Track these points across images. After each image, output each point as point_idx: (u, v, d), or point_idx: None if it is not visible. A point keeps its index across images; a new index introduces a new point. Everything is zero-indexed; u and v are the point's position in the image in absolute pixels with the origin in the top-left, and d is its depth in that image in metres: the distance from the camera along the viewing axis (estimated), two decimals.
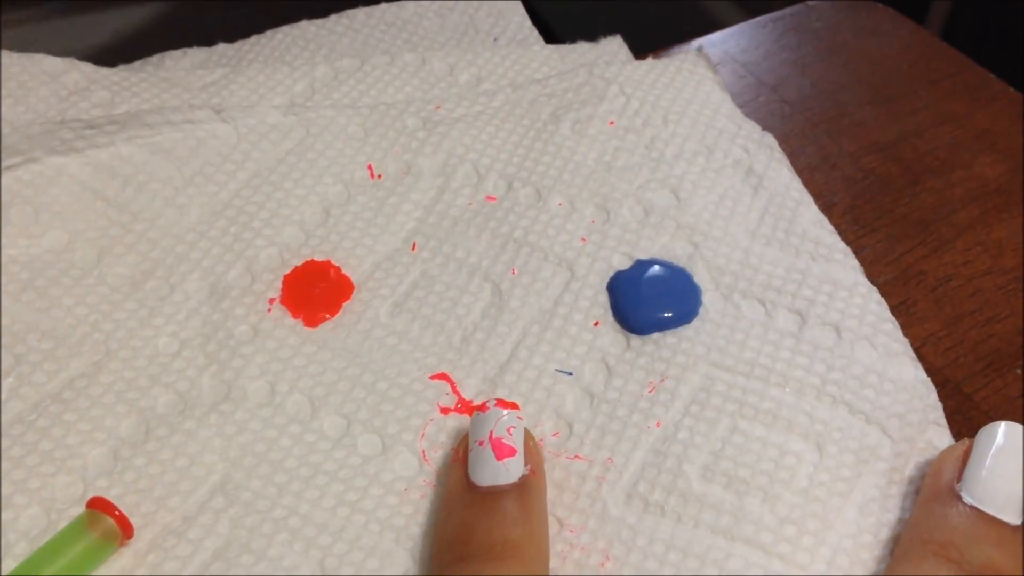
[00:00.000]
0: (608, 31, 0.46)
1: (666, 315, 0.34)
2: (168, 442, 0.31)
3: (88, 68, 0.42)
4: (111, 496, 0.29)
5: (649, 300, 0.34)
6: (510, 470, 0.28)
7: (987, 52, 0.50)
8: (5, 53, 0.41)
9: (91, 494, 0.30)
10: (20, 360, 0.32)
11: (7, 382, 0.32)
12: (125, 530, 0.28)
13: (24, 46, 0.43)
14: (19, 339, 0.33)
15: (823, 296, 0.35)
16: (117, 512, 0.28)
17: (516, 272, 0.36)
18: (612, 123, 0.41)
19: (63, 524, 0.29)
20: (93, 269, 0.35)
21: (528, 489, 0.28)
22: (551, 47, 0.45)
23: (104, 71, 0.42)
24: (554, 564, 0.29)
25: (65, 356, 0.33)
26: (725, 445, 0.31)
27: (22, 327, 0.33)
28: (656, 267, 0.35)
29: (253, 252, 0.36)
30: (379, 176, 0.39)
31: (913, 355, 0.34)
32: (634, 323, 0.34)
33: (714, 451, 0.31)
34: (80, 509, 0.29)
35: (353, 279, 0.36)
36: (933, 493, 0.29)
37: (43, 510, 0.29)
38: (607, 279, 0.35)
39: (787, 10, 0.50)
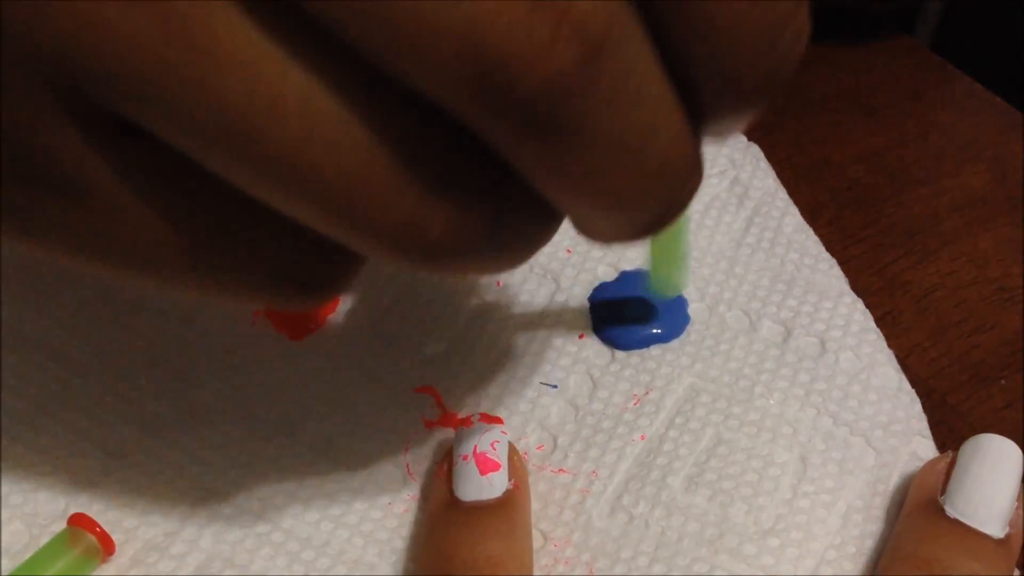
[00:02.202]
0: None
1: (654, 331, 0.34)
2: (151, 455, 0.31)
3: None
4: (93, 511, 0.29)
5: (635, 318, 0.34)
6: (494, 485, 0.28)
7: (976, 62, 0.50)
8: None
9: (73, 509, 0.29)
10: None
11: None
12: (106, 547, 0.28)
13: None
14: None
15: (808, 307, 0.35)
16: (98, 529, 0.28)
17: (501, 284, 0.36)
18: None
19: (45, 540, 0.28)
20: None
21: (512, 504, 0.28)
22: None
23: None
24: None
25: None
26: (710, 457, 0.31)
27: None
28: (641, 280, 0.35)
29: None
30: None
31: (897, 366, 0.34)
32: (620, 343, 0.34)
33: (698, 463, 0.31)
34: (62, 524, 0.29)
35: None
36: (916, 506, 0.29)
37: (25, 525, 0.29)
38: (592, 290, 0.35)
39: None
